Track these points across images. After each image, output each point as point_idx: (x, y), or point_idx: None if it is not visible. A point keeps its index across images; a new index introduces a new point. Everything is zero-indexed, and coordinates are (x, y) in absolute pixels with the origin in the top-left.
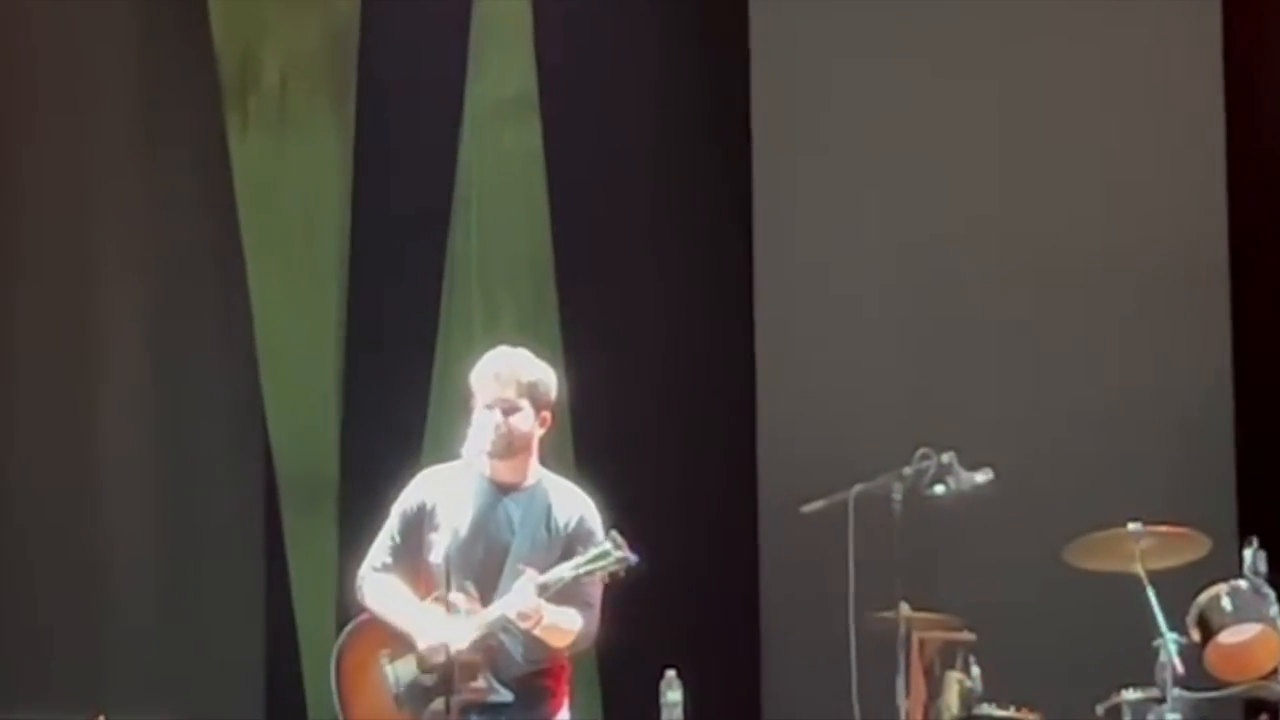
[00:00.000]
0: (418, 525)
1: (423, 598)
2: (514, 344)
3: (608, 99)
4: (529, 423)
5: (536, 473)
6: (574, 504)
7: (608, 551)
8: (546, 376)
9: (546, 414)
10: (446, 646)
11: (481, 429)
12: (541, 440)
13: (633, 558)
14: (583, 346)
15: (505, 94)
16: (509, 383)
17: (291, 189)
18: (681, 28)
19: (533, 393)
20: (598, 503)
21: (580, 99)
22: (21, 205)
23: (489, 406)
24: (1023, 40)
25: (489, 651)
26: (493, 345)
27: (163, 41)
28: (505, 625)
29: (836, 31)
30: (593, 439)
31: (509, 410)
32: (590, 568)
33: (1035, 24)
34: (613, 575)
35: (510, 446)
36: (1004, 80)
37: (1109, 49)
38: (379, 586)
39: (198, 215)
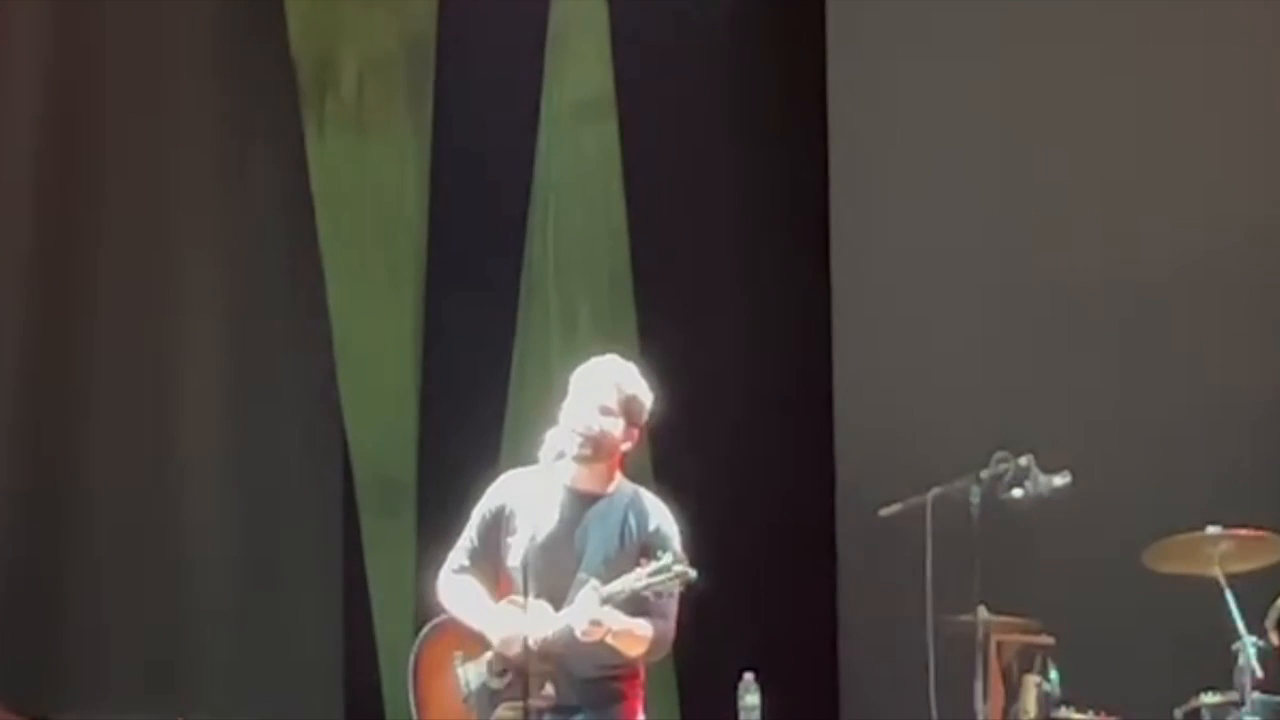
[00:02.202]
0: (496, 528)
1: (499, 602)
2: (590, 347)
3: (685, 101)
4: (618, 430)
5: (617, 484)
6: (651, 514)
7: (668, 566)
8: (645, 395)
9: (636, 430)
10: (524, 638)
11: (570, 426)
12: (624, 455)
13: (692, 572)
14: (660, 349)
15: (582, 96)
16: (609, 389)
17: (369, 191)
18: (758, 27)
19: (628, 405)
20: (676, 504)
21: (658, 101)
22: (100, 208)
23: (584, 406)
24: (1113, 40)
25: (559, 657)
26: (569, 349)
27: (240, 45)
28: (570, 635)
29: (915, 30)
30: (670, 442)
31: (603, 413)
32: (649, 581)
33: (1130, 22)
34: (688, 586)
35: (596, 449)
36: (1089, 81)
37: (1207, 49)
38: (455, 587)
39: (275, 218)
